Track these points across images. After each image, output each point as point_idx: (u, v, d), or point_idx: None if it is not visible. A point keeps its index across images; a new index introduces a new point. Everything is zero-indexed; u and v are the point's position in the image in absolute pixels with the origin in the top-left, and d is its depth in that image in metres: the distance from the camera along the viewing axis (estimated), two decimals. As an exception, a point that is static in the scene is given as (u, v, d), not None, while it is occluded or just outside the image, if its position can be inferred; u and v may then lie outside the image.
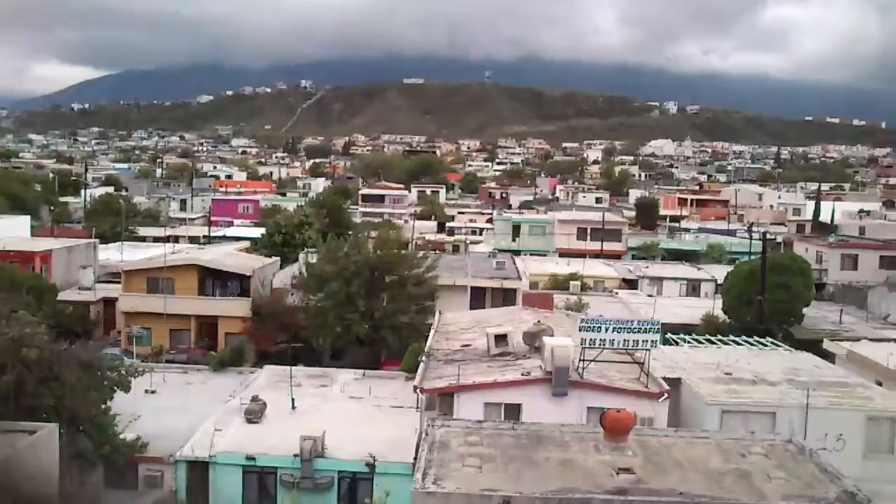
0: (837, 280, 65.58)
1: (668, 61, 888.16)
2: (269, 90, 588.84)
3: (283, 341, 42.63)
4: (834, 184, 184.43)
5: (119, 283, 49.16)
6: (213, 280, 48.38)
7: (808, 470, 20.72)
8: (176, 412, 30.17)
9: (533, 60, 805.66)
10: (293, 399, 31.38)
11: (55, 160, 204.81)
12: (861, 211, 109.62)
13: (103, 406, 26.16)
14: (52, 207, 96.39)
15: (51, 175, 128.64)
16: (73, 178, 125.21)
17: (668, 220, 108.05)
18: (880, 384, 30.88)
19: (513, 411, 25.76)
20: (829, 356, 36.49)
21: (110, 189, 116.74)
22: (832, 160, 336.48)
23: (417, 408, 28.24)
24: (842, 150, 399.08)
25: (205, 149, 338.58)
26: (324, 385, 35.25)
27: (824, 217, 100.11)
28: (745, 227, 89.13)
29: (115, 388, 26.62)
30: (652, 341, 26.80)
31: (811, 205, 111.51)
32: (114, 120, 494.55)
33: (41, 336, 25.38)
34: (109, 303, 50.29)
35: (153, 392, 33.14)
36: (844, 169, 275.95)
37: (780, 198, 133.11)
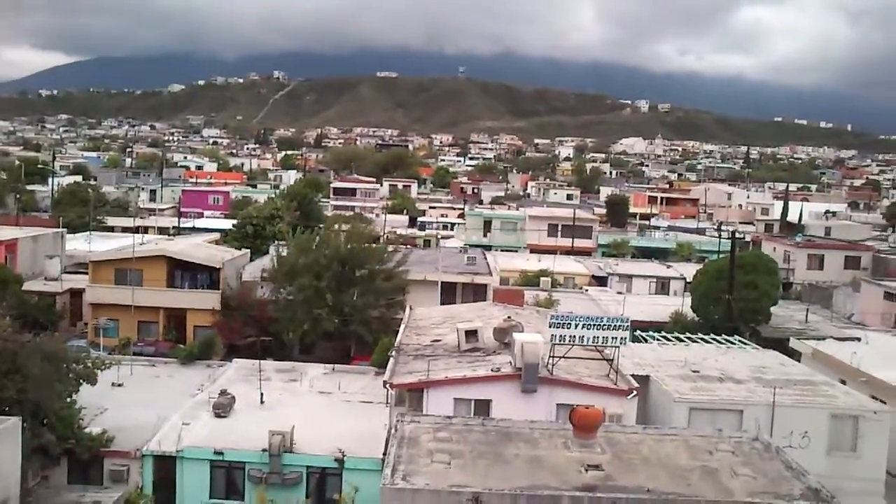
0: (804, 279, 66.55)
1: (644, 60, 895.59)
2: (241, 80, 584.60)
3: (252, 335, 42.31)
4: (801, 184, 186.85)
5: (86, 273, 48.44)
6: (183, 272, 47.84)
7: (773, 467, 21.00)
8: (143, 405, 29.82)
9: (509, 57, 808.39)
10: (262, 393, 31.22)
11: (22, 147, 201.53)
12: (827, 212, 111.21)
13: (68, 399, 25.84)
14: (18, 196, 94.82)
15: (17, 162, 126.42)
16: (39, 166, 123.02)
17: (638, 217, 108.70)
18: (844, 383, 31.34)
19: (482, 407, 25.79)
20: (795, 355, 36.98)
21: (78, 178, 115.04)
22: (800, 161, 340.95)
23: (387, 403, 28.22)
24: (809, 151, 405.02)
25: (175, 139, 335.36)
26: (293, 379, 35.10)
27: (792, 217, 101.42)
28: (715, 226, 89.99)
29: (81, 380, 26.29)
30: (621, 338, 26.93)
31: (779, 205, 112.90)
32: (83, 107, 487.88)
33: (5, 327, 25.00)
34: (76, 294, 49.54)
35: (120, 385, 32.77)
36: (811, 170, 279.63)
37: (748, 197, 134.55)
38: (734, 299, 44.72)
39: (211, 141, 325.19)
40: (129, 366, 34.91)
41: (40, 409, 24.33)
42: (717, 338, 38.88)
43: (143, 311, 45.70)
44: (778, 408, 26.72)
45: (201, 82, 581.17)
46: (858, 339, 40.24)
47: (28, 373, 23.68)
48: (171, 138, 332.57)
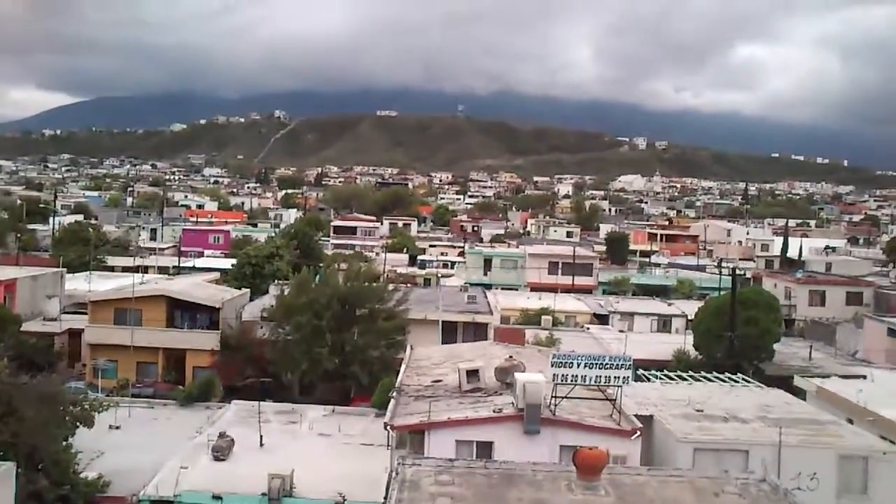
0: (806, 316, 66.25)
1: (641, 98, 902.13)
2: (242, 120, 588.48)
3: (251, 375, 42.00)
4: (800, 220, 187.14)
5: (86, 313, 48.25)
6: (182, 312, 47.69)
7: (781, 510, 20.60)
8: (140, 449, 29.49)
9: (507, 95, 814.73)
10: (261, 436, 30.85)
11: (24, 187, 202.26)
12: (827, 247, 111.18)
13: (64, 443, 25.51)
14: (19, 235, 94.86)
15: (18, 202, 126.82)
16: (41, 205, 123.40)
17: (638, 254, 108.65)
18: (851, 422, 30.95)
19: (485, 449, 25.41)
20: (799, 393, 36.60)
21: (79, 217, 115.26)
22: (798, 197, 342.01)
23: (388, 445, 27.82)
24: (807, 186, 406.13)
25: (176, 178, 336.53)
26: (293, 421, 34.72)
27: (792, 253, 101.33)
28: (715, 263, 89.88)
29: (78, 423, 26.00)
30: (624, 377, 26.64)
31: (779, 241, 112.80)
32: (85, 147, 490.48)
33: (1, 369, 24.77)
34: (75, 334, 49.27)
35: (117, 427, 32.44)
36: (810, 206, 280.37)
37: (748, 233, 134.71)
38: (736, 336, 44.45)
39: (212, 180, 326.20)
40: (127, 408, 34.60)
41: (35, 454, 23.99)
42: (721, 376, 38.54)
43: (142, 351, 45.47)
44: (785, 448, 26.31)
45: (203, 121, 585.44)
46: (864, 377, 39.84)
47: (24, 416, 23.40)
48: (172, 177, 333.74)
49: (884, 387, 37.01)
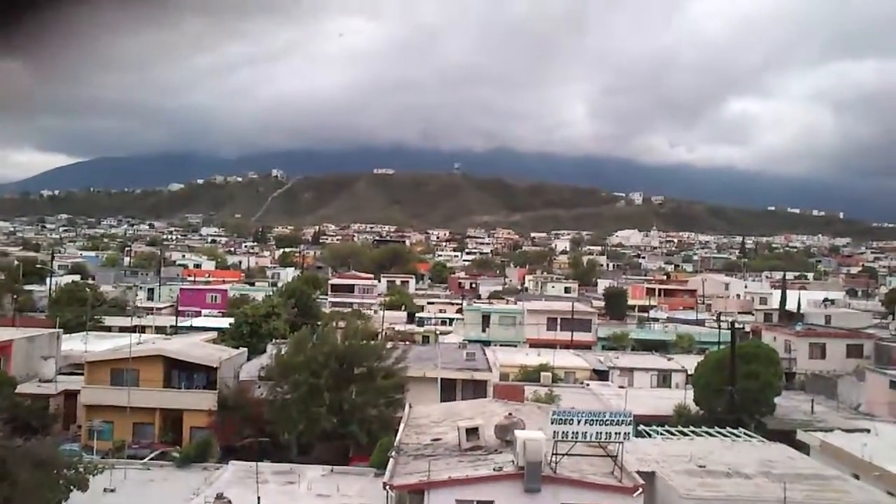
0: (806, 369, 65.97)
1: (635, 153, 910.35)
2: (239, 179, 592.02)
3: (249, 435, 41.53)
4: (798, 273, 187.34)
5: (82, 374, 47.90)
6: (179, 372, 47.37)
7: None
8: (135, 512, 29.00)
9: (504, 152, 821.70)
10: (259, 497, 30.36)
11: (21, 247, 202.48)
12: (826, 300, 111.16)
13: (58, 507, 25.11)
14: (16, 296, 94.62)
15: (15, 262, 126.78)
16: (38, 265, 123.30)
17: (636, 309, 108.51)
18: (857, 477, 30.59)
19: (485, 508, 25.10)
20: (802, 447, 36.27)
21: (76, 277, 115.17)
22: (795, 249, 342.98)
23: (387, 505, 27.44)
24: (804, 239, 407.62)
25: (174, 237, 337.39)
26: (291, 482, 34.24)
27: (791, 306, 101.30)
28: (714, 317, 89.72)
29: (72, 487, 25.62)
30: (625, 433, 26.45)
31: (777, 294, 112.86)
32: (83, 207, 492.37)
33: (-5, 432, 24.52)
34: (71, 395, 48.79)
35: (112, 490, 31.90)
36: (807, 258, 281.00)
37: (746, 287, 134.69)
38: (737, 391, 44.19)
39: (209, 239, 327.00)
40: (122, 469, 34.10)
41: (29, 519, 23.61)
42: (722, 431, 38.22)
43: (138, 412, 45.04)
44: (789, 504, 26.01)
45: (200, 181, 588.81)
46: (868, 431, 39.51)
47: (17, 479, 23.08)
48: (169, 237, 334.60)
49: (888, 440, 36.72)
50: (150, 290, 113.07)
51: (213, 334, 66.96)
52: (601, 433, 26.28)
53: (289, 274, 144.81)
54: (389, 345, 49.06)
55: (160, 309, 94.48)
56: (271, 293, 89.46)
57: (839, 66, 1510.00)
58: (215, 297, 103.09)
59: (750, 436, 37.52)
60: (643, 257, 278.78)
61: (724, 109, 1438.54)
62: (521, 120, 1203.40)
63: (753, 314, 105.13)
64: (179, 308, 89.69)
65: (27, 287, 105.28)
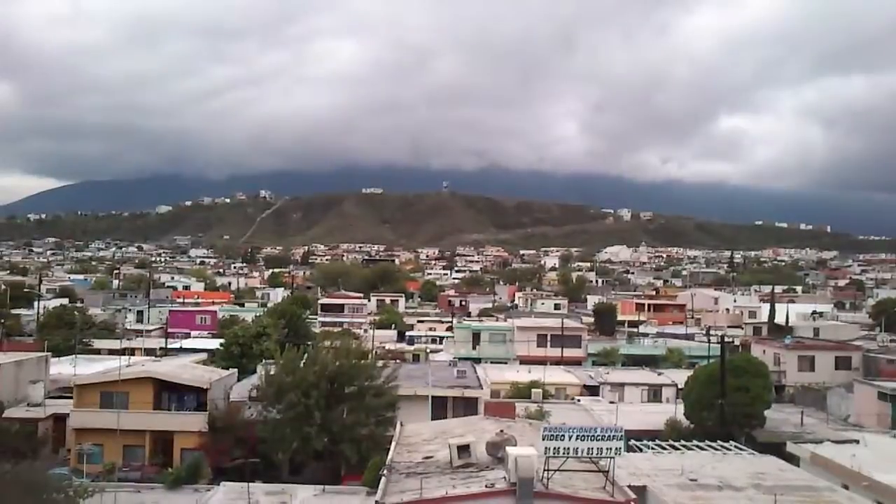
0: (796, 382, 66.26)
1: (626, 170, 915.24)
2: (227, 200, 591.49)
3: (240, 456, 41.36)
4: (786, 286, 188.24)
5: (71, 398, 47.65)
6: (169, 394, 47.20)
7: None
8: (126, 535, 28.85)
9: (492, 170, 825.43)
10: (250, 517, 30.30)
11: (8, 271, 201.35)
12: (814, 313, 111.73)
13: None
14: (3, 320, 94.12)
15: (2, 286, 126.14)
16: (25, 289, 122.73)
17: (626, 325, 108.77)
18: (847, 487, 30.74)
19: (478, 525, 25.05)
20: (792, 459, 36.41)
21: (65, 300, 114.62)
22: (783, 263, 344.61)
23: (379, 524, 27.35)
24: (792, 253, 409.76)
25: (163, 259, 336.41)
26: (283, 502, 34.18)
27: (779, 319, 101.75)
28: (703, 331, 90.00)
29: (62, 510, 25.49)
30: (616, 448, 26.47)
31: (766, 307, 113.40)
32: (71, 230, 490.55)
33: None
34: (60, 419, 48.46)
35: (103, 513, 31.75)
36: (795, 272, 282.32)
37: (735, 301, 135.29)
38: (727, 404, 44.36)
39: (198, 261, 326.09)
40: (113, 492, 33.92)
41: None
42: (713, 444, 38.33)
43: (128, 434, 44.81)
44: (780, 516, 26.12)
45: (188, 203, 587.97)
46: (857, 442, 39.71)
47: (8, 504, 23.00)
48: (158, 259, 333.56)
49: (877, 451, 36.93)
50: (140, 313, 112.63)
51: (203, 356, 66.75)
52: (592, 448, 26.29)
53: (278, 294, 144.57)
54: (380, 364, 49.04)
55: (150, 331, 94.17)
56: (261, 314, 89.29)
57: (828, 82, 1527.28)
58: (205, 318, 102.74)
59: (741, 449, 37.64)
60: (632, 273, 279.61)
61: (714, 126, 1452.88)
62: (511, 138, 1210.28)
63: (742, 328, 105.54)
64: (169, 330, 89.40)
65: (14, 311, 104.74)
